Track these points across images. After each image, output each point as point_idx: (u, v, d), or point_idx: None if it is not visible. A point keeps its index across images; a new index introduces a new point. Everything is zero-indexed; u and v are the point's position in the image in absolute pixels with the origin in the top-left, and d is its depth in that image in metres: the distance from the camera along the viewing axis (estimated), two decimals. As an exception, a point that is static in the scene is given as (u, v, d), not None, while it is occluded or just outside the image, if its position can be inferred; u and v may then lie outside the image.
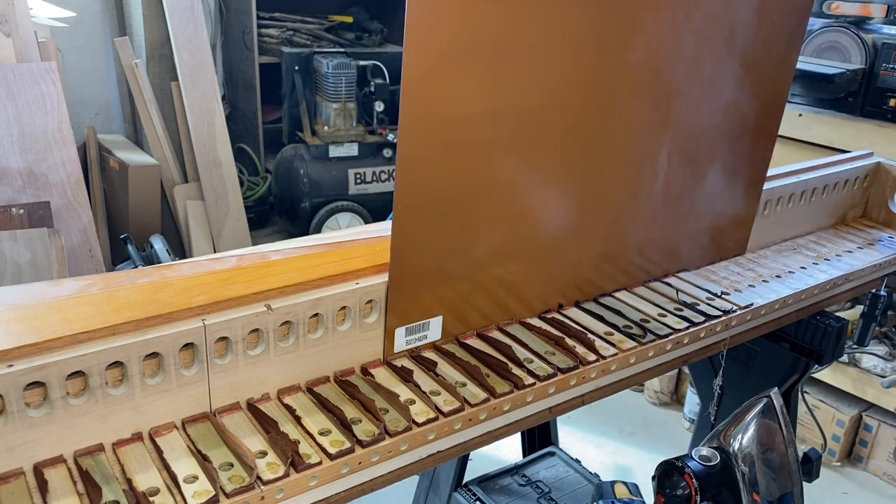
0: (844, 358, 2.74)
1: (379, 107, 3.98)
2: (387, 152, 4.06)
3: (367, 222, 3.87)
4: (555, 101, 0.96)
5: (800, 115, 2.82)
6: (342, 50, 4.15)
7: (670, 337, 1.09)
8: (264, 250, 0.97)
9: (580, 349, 1.01)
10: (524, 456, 1.88)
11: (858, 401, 2.79)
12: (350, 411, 0.84)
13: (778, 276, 1.34)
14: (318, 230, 3.90)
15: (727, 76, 1.18)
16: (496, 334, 1.04)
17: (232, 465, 0.75)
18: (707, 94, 1.16)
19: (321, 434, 0.81)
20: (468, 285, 0.99)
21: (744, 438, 1.07)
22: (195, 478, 0.73)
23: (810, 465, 1.36)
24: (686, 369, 2.62)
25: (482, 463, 2.12)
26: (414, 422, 0.84)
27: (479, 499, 1.67)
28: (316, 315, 0.87)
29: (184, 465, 0.74)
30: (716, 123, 1.21)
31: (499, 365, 0.95)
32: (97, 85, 3.97)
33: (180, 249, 3.77)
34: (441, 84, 0.84)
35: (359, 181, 4.01)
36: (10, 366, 0.68)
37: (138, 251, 2.82)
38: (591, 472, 1.77)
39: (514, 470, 1.77)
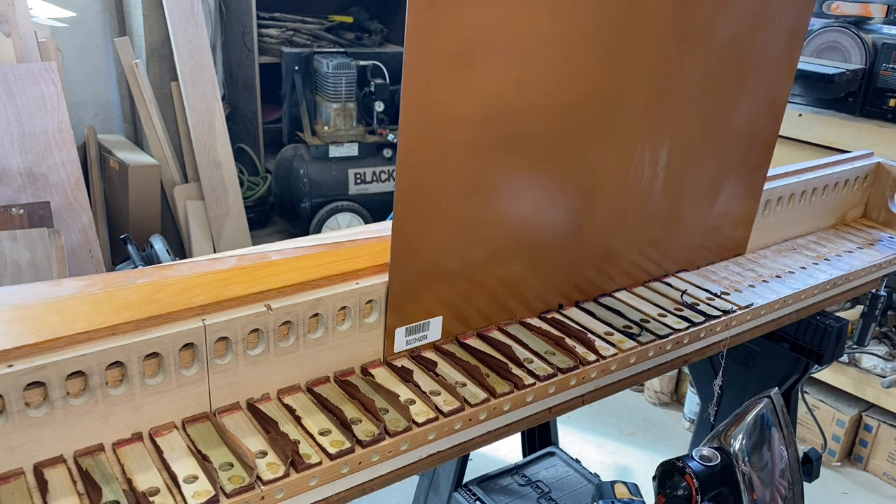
0: (844, 358, 2.74)
1: (379, 107, 3.98)
2: (387, 152, 4.06)
3: (367, 222, 3.87)
4: (555, 101, 0.96)
5: (800, 115, 2.82)
6: (342, 50, 4.15)
7: (670, 337, 1.09)
8: (264, 250, 0.97)
9: (580, 349, 1.01)
10: (524, 456, 1.88)
11: (858, 401, 2.79)
12: (350, 411, 0.84)
13: (778, 276, 1.34)
14: (318, 230, 3.90)
15: (728, 76, 1.18)
16: (496, 334, 1.04)
17: (232, 465, 0.75)
18: (707, 94, 1.16)
19: (321, 434, 0.81)
20: (468, 285, 0.99)
21: (744, 438, 1.07)
22: (195, 478, 0.73)
23: (810, 465, 1.36)
24: (686, 369, 2.62)
25: (482, 463, 2.12)
26: (414, 422, 0.84)
27: (479, 499, 1.67)
28: (316, 315, 0.87)
29: (184, 465, 0.74)
30: (716, 123, 1.21)
31: (499, 365, 0.95)
32: (97, 85, 3.97)
33: (180, 249, 3.77)
34: (441, 84, 0.84)
35: (359, 181, 4.01)
36: (10, 366, 0.68)
37: (138, 251, 2.82)
38: (591, 472, 1.77)
39: (514, 470, 1.77)
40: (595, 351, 1.02)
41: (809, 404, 2.15)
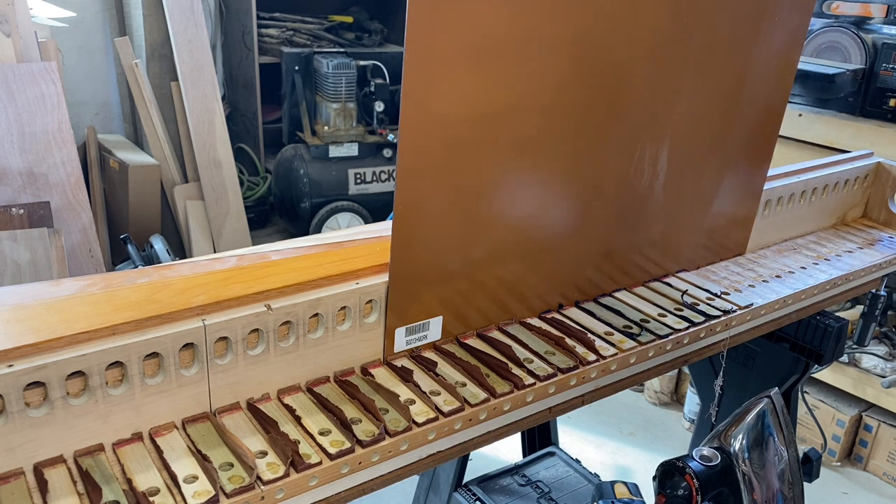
0: (844, 358, 2.74)
1: (379, 107, 3.98)
2: (387, 152, 4.06)
3: (367, 222, 3.87)
4: (555, 101, 0.96)
5: (800, 115, 2.82)
6: (342, 50, 4.16)
7: (670, 337, 1.09)
8: (264, 250, 0.97)
9: (580, 349, 1.01)
10: (524, 456, 1.88)
11: (858, 401, 2.79)
12: (350, 411, 0.84)
13: (778, 276, 1.34)
14: (318, 230, 3.90)
15: (729, 76, 1.18)
16: (496, 334, 1.04)
17: (232, 465, 0.75)
18: (708, 94, 1.16)
19: (321, 434, 0.81)
20: (468, 285, 0.99)
21: (744, 438, 1.07)
22: (195, 478, 0.73)
23: (810, 465, 1.36)
24: (686, 369, 2.62)
25: (482, 463, 2.12)
26: (414, 422, 0.84)
27: (479, 499, 1.67)
28: (316, 315, 0.87)
29: (184, 465, 0.74)
30: (717, 123, 1.21)
31: (499, 365, 0.95)
32: (97, 85, 3.97)
33: (180, 249, 3.77)
34: (441, 84, 0.84)
35: (359, 181, 4.01)
36: (10, 366, 0.68)
37: (138, 251, 2.82)
38: (591, 472, 1.77)
39: (514, 470, 1.77)
40: (595, 351, 1.02)
41: (809, 404, 2.15)
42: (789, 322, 1.36)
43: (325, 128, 4.00)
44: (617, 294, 1.20)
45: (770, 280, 1.32)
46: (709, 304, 1.19)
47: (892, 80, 2.67)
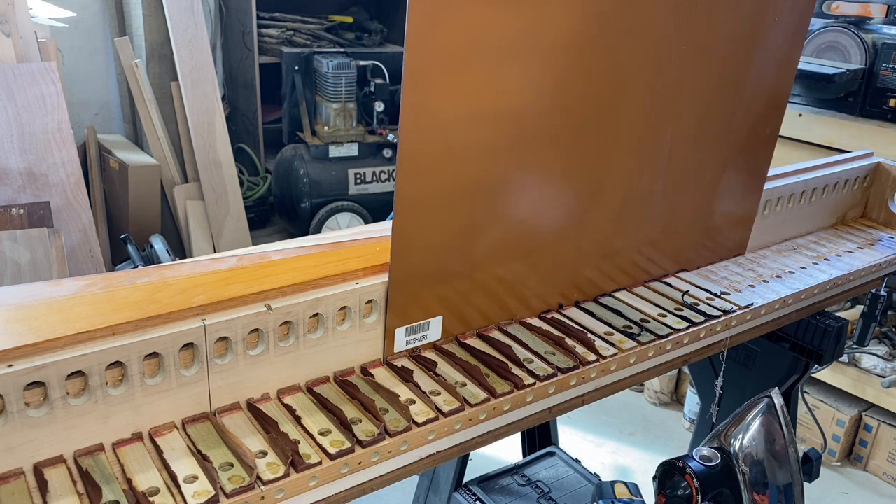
0: (844, 358, 2.74)
1: (379, 107, 3.98)
2: (387, 152, 4.06)
3: (367, 222, 3.87)
4: (555, 101, 0.96)
5: (800, 115, 2.82)
6: (342, 50, 4.16)
7: (670, 337, 1.09)
8: (264, 250, 0.97)
9: (580, 349, 1.01)
10: (524, 456, 1.88)
11: (858, 401, 2.79)
12: (350, 411, 0.84)
13: (778, 276, 1.34)
14: (318, 230, 3.90)
15: (728, 76, 1.18)
16: (496, 334, 1.04)
17: (232, 465, 0.75)
18: (708, 94, 1.16)
19: (321, 434, 0.81)
20: (468, 285, 0.99)
21: (744, 438, 1.07)
22: (195, 478, 0.73)
23: (810, 465, 1.36)
24: (686, 369, 2.62)
25: (482, 463, 2.12)
26: (414, 422, 0.84)
27: (479, 499, 1.67)
28: (316, 315, 0.87)
29: (184, 465, 0.74)
30: (716, 123, 1.21)
31: (499, 365, 0.95)
32: (97, 85, 3.97)
33: (180, 249, 3.77)
34: (442, 84, 0.84)
35: (359, 181, 4.01)
36: (10, 366, 0.68)
37: (138, 251, 2.82)
38: (591, 472, 1.77)
39: (514, 470, 1.77)
40: (595, 351, 1.02)
41: (809, 404, 2.15)
42: (789, 322, 1.36)
43: (325, 128, 4.00)
44: (617, 294, 1.20)
45: (770, 280, 1.32)
46: (709, 304, 1.19)
47: (892, 80, 2.67)
